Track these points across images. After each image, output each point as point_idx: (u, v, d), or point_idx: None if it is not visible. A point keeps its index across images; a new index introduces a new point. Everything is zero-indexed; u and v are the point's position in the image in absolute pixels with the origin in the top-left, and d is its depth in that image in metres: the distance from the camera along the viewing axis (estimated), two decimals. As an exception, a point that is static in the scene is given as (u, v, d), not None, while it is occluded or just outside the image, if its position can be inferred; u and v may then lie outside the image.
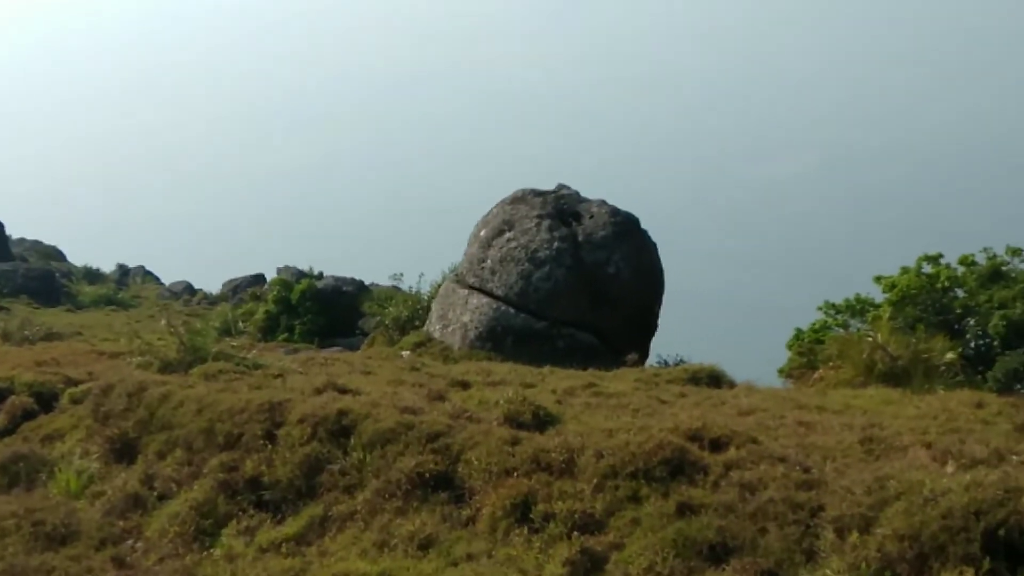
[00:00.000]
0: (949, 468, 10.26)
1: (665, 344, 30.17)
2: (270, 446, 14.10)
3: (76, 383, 19.89)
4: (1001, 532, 8.51)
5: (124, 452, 16.00)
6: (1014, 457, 10.93)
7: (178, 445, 15.38)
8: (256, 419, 14.70)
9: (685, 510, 10.39)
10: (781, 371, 37.12)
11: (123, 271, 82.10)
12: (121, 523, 13.85)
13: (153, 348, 21.43)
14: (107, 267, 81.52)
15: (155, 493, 14.48)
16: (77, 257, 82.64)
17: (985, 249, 40.41)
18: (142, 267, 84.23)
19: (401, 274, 44.67)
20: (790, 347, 41.74)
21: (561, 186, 30.93)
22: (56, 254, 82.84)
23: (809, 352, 36.33)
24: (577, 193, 30.63)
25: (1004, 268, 39.59)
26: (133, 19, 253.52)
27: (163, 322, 23.76)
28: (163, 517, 13.70)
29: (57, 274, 70.69)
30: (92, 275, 77.24)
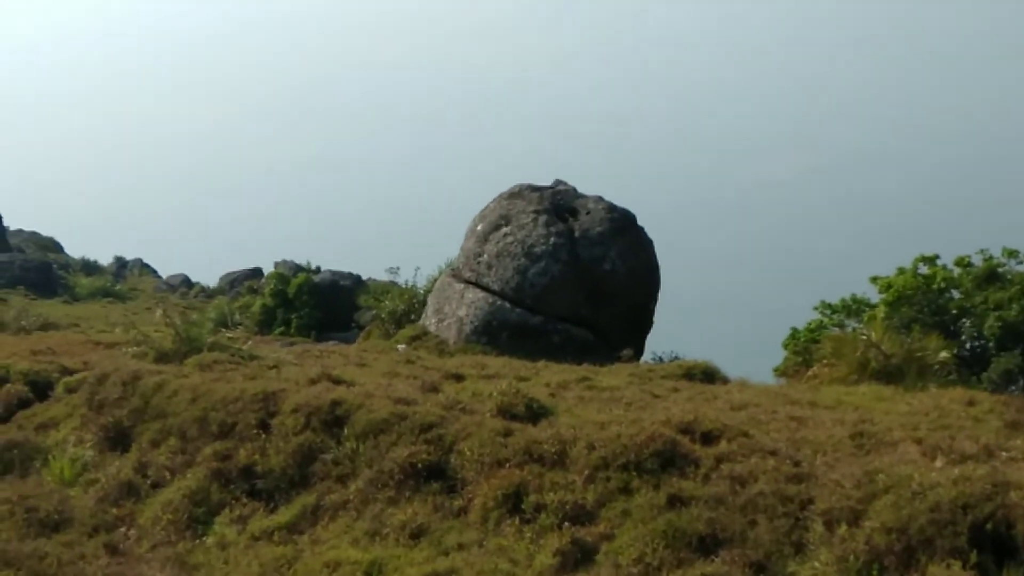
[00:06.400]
0: (938, 463, 10.32)
1: (660, 342, 30.28)
2: (263, 435, 14.15)
3: (71, 372, 19.96)
4: (988, 526, 8.58)
5: (118, 440, 16.06)
6: (1003, 453, 10.99)
7: (172, 434, 15.42)
8: (250, 408, 14.75)
9: (676, 502, 10.46)
10: (776, 370, 37.11)
11: (120, 263, 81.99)
12: (114, 510, 13.92)
13: (149, 339, 21.46)
14: (104, 259, 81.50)
15: (148, 481, 14.54)
16: (75, 249, 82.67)
17: (981, 251, 40.32)
18: (139, 260, 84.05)
19: (397, 268, 44.43)
20: (786, 346, 41.72)
21: (558, 182, 30.92)
22: (54, 246, 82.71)
23: (805, 351, 36.25)
24: (574, 189, 30.63)
25: (1000, 270, 39.53)
26: (131, 13, 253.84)
27: (159, 313, 23.77)
28: (156, 505, 13.77)
29: (54, 266, 70.55)
30: (89, 267, 77.16)
